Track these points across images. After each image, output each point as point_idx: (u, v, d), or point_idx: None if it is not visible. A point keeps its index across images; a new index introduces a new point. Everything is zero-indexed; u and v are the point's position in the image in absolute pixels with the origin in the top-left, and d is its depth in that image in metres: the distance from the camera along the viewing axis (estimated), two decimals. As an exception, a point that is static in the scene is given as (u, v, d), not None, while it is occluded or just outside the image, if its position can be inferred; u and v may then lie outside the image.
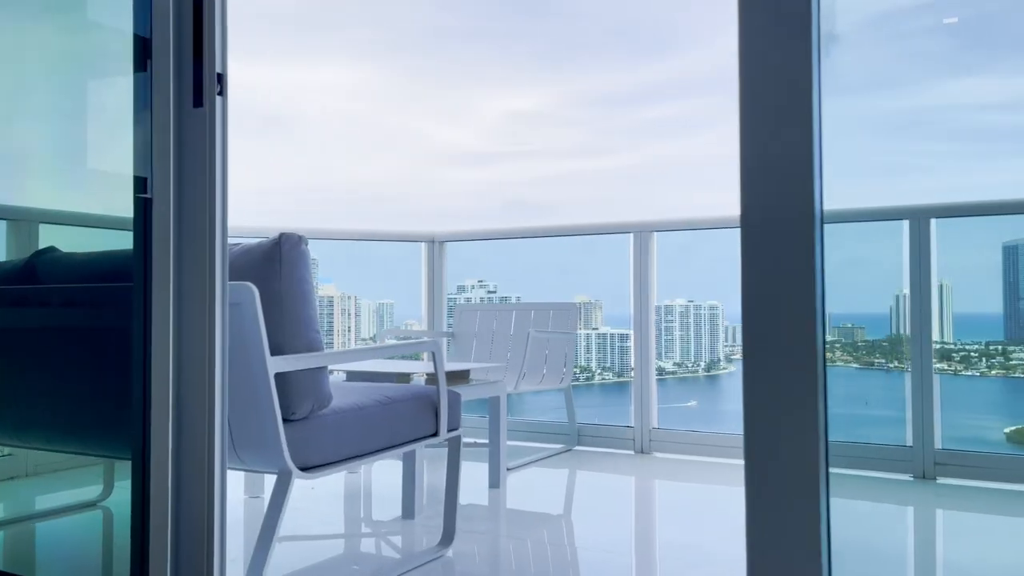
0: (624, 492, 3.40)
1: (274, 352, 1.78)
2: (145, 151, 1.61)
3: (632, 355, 4.11)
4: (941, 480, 3.36)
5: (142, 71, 1.62)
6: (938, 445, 3.66)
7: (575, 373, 3.94)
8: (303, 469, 1.82)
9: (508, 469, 3.39)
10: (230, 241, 1.85)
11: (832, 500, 1.26)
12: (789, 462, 1.11)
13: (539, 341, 3.80)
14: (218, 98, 1.55)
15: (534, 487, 3.34)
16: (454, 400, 2.32)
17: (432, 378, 2.99)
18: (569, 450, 4.02)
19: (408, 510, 2.72)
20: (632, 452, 3.98)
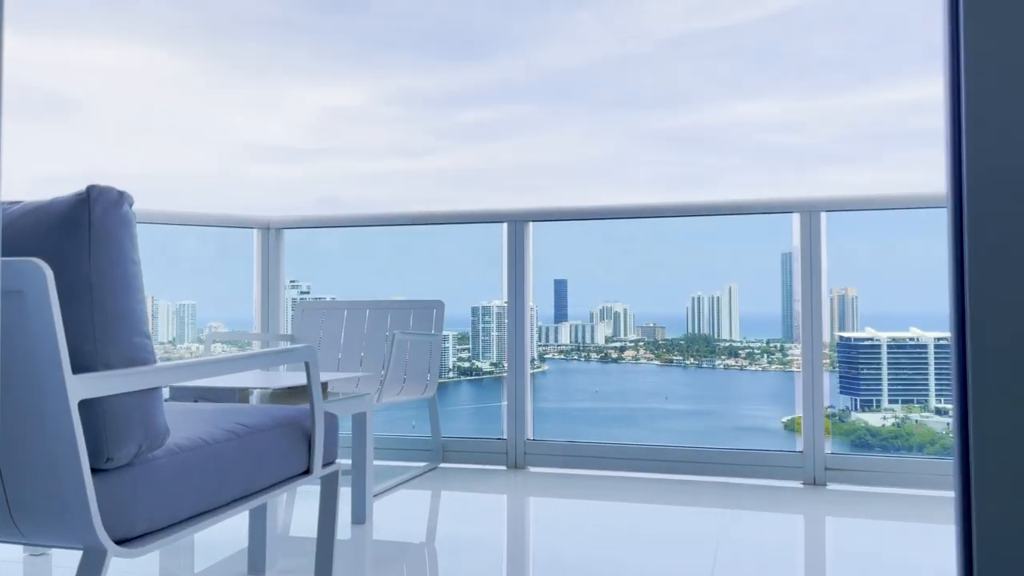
0: (497, 512, 2.99)
1: (77, 367, 1.16)
2: None
3: (505, 355, 3.74)
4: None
5: None
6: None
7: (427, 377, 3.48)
8: (122, 542, 1.21)
9: (374, 495, 2.87)
10: (7, 199, 1.21)
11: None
12: None
13: (402, 345, 3.30)
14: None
15: (407, 516, 2.83)
16: (331, 425, 1.76)
17: (284, 395, 2.45)
18: (434, 468, 3.53)
19: (257, 564, 2.10)
20: (504, 467, 3.56)
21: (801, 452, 3.25)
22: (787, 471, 3.24)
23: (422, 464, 3.55)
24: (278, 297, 3.90)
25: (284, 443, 1.61)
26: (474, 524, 2.80)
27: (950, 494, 2.92)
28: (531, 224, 3.62)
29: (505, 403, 3.60)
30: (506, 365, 3.67)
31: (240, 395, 2.25)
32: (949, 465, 3.07)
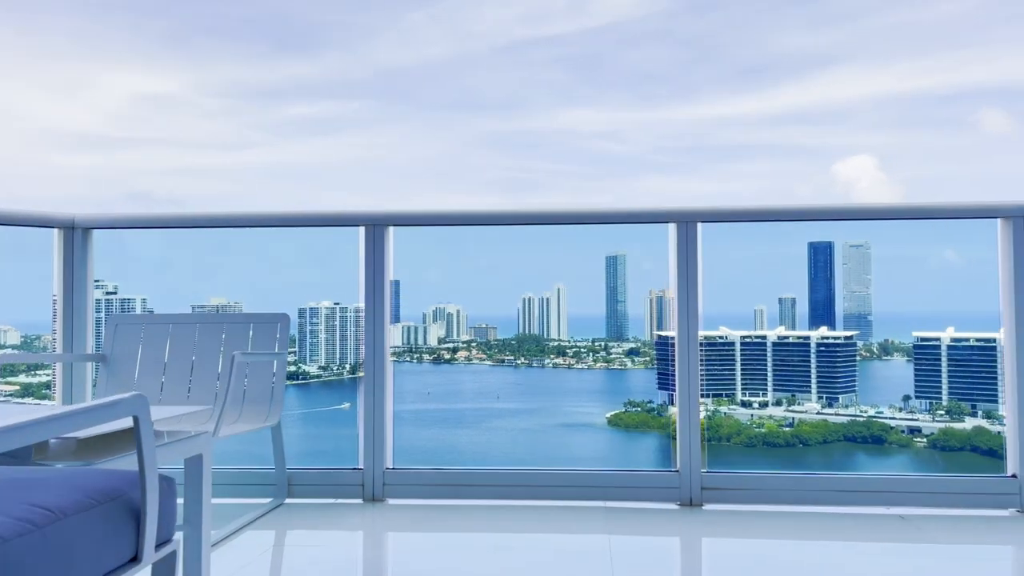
0: (353, 554, 2.68)
1: None
2: None
3: (361, 387, 3.43)
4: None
5: None
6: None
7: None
8: None
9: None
10: None
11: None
12: None
13: (242, 367, 2.88)
14: None
15: (254, 571, 2.43)
16: (167, 494, 1.42)
17: (96, 443, 1.81)
18: (280, 504, 3.15)
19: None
20: (360, 500, 3.23)
21: (677, 472, 3.16)
22: (664, 492, 3.13)
23: (265, 501, 3.14)
24: (84, 307, 3.35)
25: (103, 527, 1.25)
26: (331, 571, 2.49)
27: (830, 509, 3.02)
28: (391, 228, 3.35)
29: (361, 431, 3.23)
30: (362, 387, 3.31)
31: (36, 449, 1.82)
32: (831, 480, 3.12)
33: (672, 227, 3.23)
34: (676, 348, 3.31)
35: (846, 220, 3.28)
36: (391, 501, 3.22)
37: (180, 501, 1.54)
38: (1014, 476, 3.05)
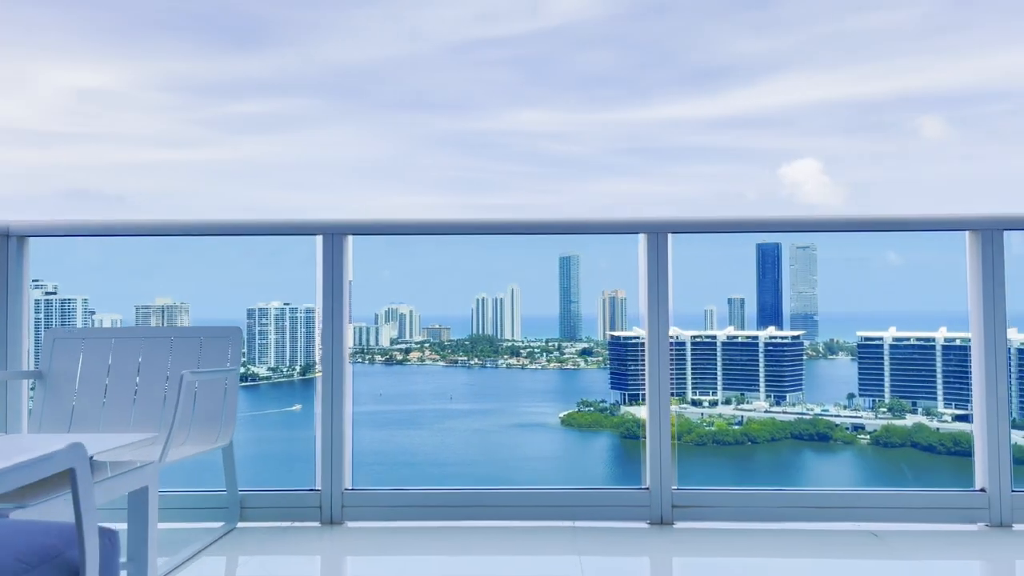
0: None
1: None
2: None
3: (318, 392, 3.25)
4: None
5: None
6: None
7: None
8: None
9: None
10: None
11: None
12: None
13: (191, 387, 2.67)
14: None
15: None
16: (109, 550, 1.30)
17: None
18: (232, 529, 2.96)
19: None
20: (318, 523, 3.05)
21: (647, 489, 3.10)
22: (633, 511, 3.06)
23: (216, 526, 2.95)
24: (20, 321, 3.08)
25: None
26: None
27: (801, 526, 2.98)
28: (350, 238, 3.16)
29: (319, 447, 3.05)
30: (318, 400, 3.09)
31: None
32: (802, 496, 3.07)
33: (642, 238, 3.19)
34: (647, 363, 3.29)
35: (816, 232, 3.29)
36: (350, 524, 3.07)
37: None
38: (983, 490, 3.05)
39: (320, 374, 3.15)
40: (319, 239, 3.18)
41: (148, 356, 2.93)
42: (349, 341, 3.20)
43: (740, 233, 3.38)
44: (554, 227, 3.36)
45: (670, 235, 3.20)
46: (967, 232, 3.18)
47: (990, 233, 3.11)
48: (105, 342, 2.96)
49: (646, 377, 3.30)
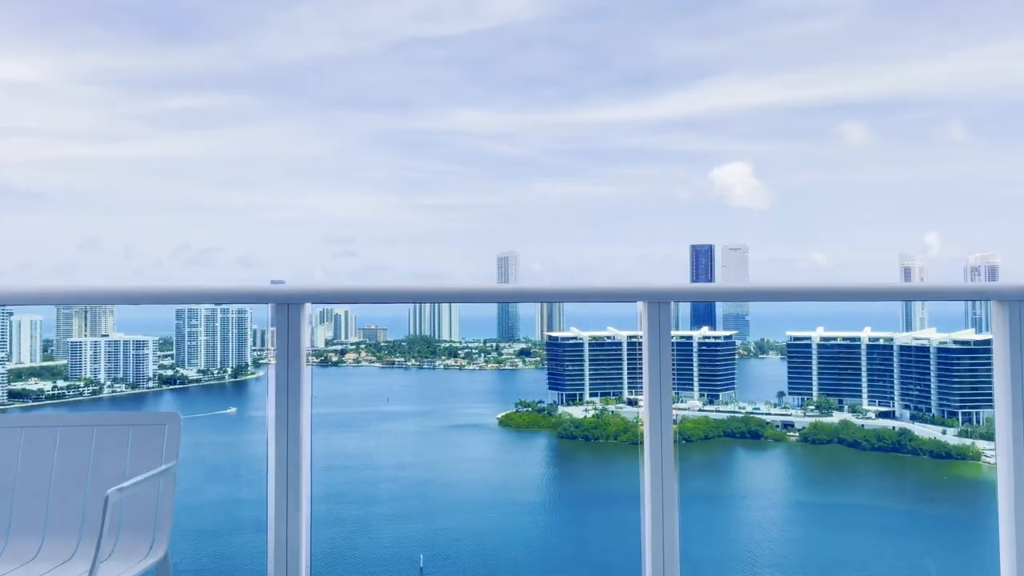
0: None
1: None
2: None
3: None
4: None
5: None
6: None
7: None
8: None
9: None
10: None
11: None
12: None
13: (118, 506, 2.16)
14: None
15: None
16: None
17: None
18: None
19: None
20: None
21: None
22: None
23: None
24: None
25: None
26: None
27: None
28: (308, 306, 2.74)
29: (271, 538, 2.65)
30: (271, 494, 2.62)
31: None
32: None
33: (642, 306, 2.93)
34: (646, 446, 2.98)
35: (837, 300, 2.98)
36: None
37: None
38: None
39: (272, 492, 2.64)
40: (270, 308, 2.71)
41: (66, 450, 2.42)
42: (307, 442, 2.68)
43: (742, 302, 3.21)
44: (544, 296, 3.12)
45: (672, 304, 2.96)
46: (992, 302, 2.89)
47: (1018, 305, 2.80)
48: (14, 432, 2.45)
49: (645, 465, 2.95)
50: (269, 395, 2.67)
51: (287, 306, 2.68)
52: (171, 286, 2.79)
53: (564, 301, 3.08)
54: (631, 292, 2.99)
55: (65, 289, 2.81)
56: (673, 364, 2.98)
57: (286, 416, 2.65)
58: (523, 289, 3.19)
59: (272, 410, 2.65)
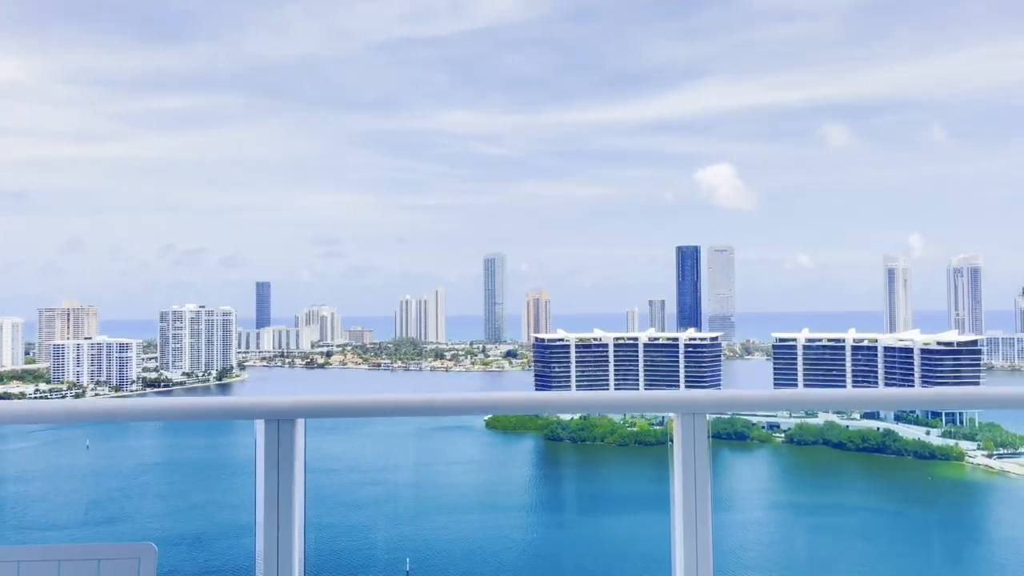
0: None
1: None
2: None
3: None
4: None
5: None
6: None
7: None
8: None
9: None
10: None
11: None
12: None
13: None
14: None
15: None
16: None
17: None
18: None
19: None
20: None
21: None
22: None
23: None
24: None
25: None
26: None
27: None
28: (301, 421, 2.46)
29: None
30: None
31: None
32: None
33: (675, 417, 2.68)
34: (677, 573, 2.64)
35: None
36: None
37: None
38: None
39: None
40: (260, 425, 2.39)
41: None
42: (299, 529, 2.43)
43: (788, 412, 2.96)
44: (572, 407, 2.97)
45: (707, 416, 2.70)
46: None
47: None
48: None
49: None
50: (257, 523, 2.34)
51: (277, 422, 2.35)
52: (155, 403, 2.52)
53: (592, 412, 2.88)
54: (661, 403, 2.67)
55: (53, 409, 2.65)
56: (710, 479, 2.63)
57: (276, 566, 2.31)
58: (553, 400, 2.94)
59: (261, 562, 2.33)
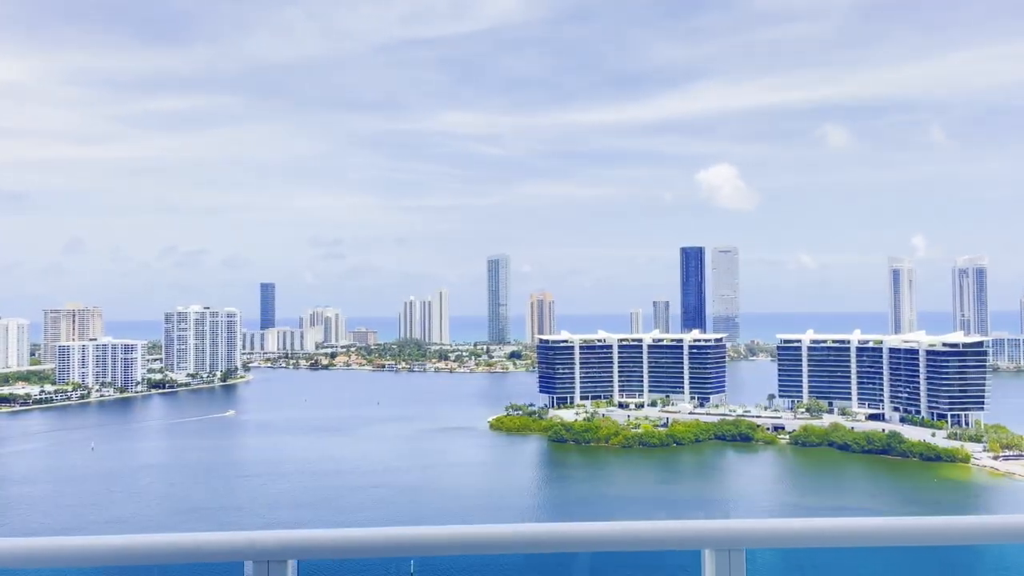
0: None
1: None
2: None
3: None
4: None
5: None
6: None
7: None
8: None
9: None
10: None
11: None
12: None
13: None
14: None
15: None
16: None
17: None
18: None
19: None
20: None
21: None
22: None
23: None
24: None
25: None
26: None
27: None
28: (292, 563, 2.27)
29: None
30: None
31: None
32: None
33: (708, 553, 2.41)
34: None
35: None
36: None
37: None
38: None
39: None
40: (247, 568, 2.09)
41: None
42: None
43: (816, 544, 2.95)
44: (593, 542, 2.84)
45: (744, 550, 2.45)
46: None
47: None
48: None
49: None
50: None
51: (267, 563, 2.11)
52: (147, 540, 2.37)
53: (616, 549, 2.86)
54: (692, 536, 2.44)
55: (43, 546, 2.54)
56: None
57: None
58: (569, 533, 2.82)
59: None
